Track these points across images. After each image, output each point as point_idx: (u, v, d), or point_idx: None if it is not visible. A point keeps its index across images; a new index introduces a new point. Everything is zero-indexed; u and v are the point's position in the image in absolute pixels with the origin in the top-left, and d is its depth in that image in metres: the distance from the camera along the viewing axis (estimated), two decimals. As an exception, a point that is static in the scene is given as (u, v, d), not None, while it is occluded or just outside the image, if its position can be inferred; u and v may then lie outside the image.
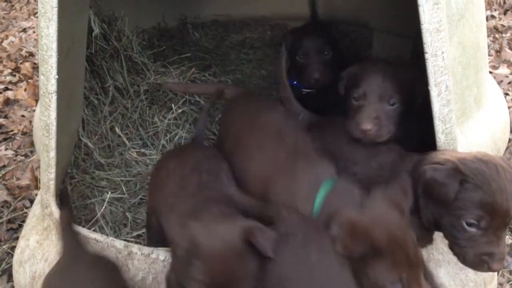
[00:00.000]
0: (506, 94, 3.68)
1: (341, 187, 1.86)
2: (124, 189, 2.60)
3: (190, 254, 1.65)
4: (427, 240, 1.96)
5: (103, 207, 2.46)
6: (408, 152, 2.04)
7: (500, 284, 2.43)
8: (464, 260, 1.76)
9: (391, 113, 2.16)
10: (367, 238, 1.64)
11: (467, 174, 1.71)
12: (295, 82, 2.88)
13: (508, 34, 4.52)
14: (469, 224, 1.71)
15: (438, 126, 1.93)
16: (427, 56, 1.85)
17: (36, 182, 3.09)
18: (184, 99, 3.10)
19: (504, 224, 1.70)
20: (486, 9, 4.71)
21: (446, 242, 2.01)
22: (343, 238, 1.66)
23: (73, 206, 2.47)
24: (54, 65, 1.97)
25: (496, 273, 2.12)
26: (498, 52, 4.24)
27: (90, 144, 2.76)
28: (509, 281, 2.45)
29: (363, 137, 2.10)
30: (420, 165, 1.83)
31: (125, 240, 2.27)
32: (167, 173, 2.14)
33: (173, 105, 3.04)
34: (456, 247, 1.78)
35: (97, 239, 2.10)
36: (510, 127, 3.13)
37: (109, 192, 2.55)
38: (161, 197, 2.08)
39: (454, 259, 2.01)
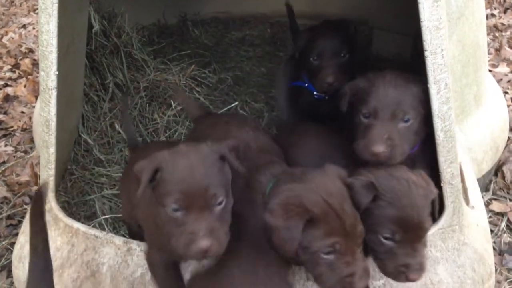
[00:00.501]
0: (506, 92, 3.69)
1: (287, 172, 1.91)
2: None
3: (159, 176, 1.69)
4: None
5: (102, 203, 2.46)
6: None
7: (498, 282, 2.43)
8: (385, 271, 1.81)
9: (405, 131, 1.98)
10: (300, 206, 1.67)
11: (380, 191, 1.76)
12: (306, 85, 2.72)
13: (508, 33, 4.52)
14: (385, 238, 1.77)
15: (437, 124, 1.93)
16: (426, 53, 1.86)
17: (35, 178, 3.09)
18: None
19: (417, 236, 1.76)
20: (486, 8, 4.71)
21: (444, 239, 2.03)
22: (278, 211, 1.68)
23: (72, 202, 2.47)
24: (54, 61, 1.97)
25: (494, 270, 2.12)
26: (497, 50, 4.24)
27: (89, 141, 2.76)
28: (507, 279, 2.46)
29: (374, 160, 1.93)
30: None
31: (124, 236, 2.28)
32: None
33: (172, 102, 3.04)
34: (377, 260, 1.82)
35: (96, 235, 2.10)
36: (509, 125, 3.14)
37: (108, 189, 2.55)
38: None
39: (452, 256, 2.02)
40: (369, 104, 2.02)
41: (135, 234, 2.24)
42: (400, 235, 1.75)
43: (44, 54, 1.97)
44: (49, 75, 1.99)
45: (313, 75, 2.63)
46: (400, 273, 1.76)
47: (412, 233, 1.75)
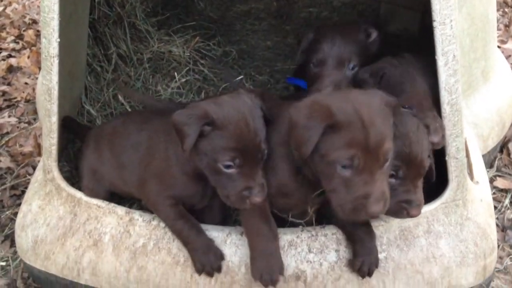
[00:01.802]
0: (514, 69, 3.63)
1: None
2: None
3: (209, 130, 1.73)
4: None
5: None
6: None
7: (500, 257, 2.43)
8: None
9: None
10: (326, 109, 1.61)
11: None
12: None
13: (518, 9, 4.45)
14: (390, 176, 1.77)
15: (444, 96, 1.90)
16: (435, 24, 1.82)
17: (39, 149, 3.09)
18: (187, 68, 3.09)
19: (419, 174, 1.79)
20: (497, -17, 4.61)
21: (447, 213, 2.03)
22: (304, 108, 1.66)
23: (75, 173, 2.47)
24: (56, 28, 1.95)
25: (496, 246, 2.12)
26: (507, 26, 4.17)
27: (93, 112, 2.75)
28: (509, 255, 2.46)
29: None
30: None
31: (126, 206, 2.28)
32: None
33: (176, 74, 3.01)
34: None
35: (99, 205, 2.11)
36: (517, 102, 3.11)
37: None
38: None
39: (454, 231, 2.02)
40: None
41: None
42: (403, 172, 1.77)
43: (46, 21, 1.94)
44: (51, 42, 1.97)
45: (310, 83, 2.25)
46: (401, 209, 1.78)
47: (414, 170, 1.77)
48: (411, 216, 1.79)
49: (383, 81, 2.08)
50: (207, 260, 1.92)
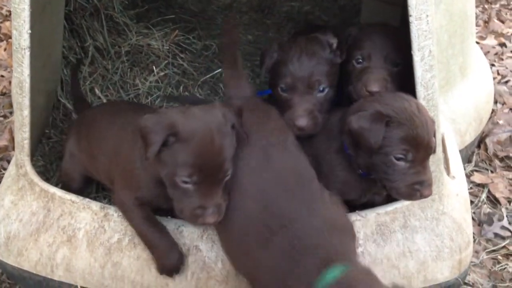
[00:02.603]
0: (492, 65, 3.66)
1: None
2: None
3: (172, 141, 1.67)
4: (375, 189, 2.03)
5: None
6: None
7: (476, 252, 2.45)
8: (398, 192, 1.87)
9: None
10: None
11: (391, 115, 1.82)
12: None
13: (497, 5, 4.48)
14: (398, 159, 1.82)
15: (420, 92, 1.90)
16: (411, 19, 1.82)
17: (14, 143, 3.04)
18: (166, 61, 3.05)
19: (427, 154, 1.84)
20: (477, -21, 4.65)
21: (423, 208, 2.03)
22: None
23: (50, 167, 2.43)
24: (27, 19, 1.90)
25: (472, 240, 2.14)
26: (486, 22, 4.20)
27: (68, 105, 2.70)
28: (485, 249, 2.48)
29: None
30: (345, 116, 1.93)
31: (101, 202, 2.25)
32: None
33: (154, 67, 2.98)
34: (389, 183, 1.87)
35: (73, 200, 2.07)
36: (494, 98, 3.14)
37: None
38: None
39: (430, 225, 2.03)
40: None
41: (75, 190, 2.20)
42: (412, 154, 1.81)
43: (17, 12, 1.90)
44: (21, 34, 1.92)
45: (281, 111, 2.11)
46: (414, 191, 1.84)
47: (422, 152, 1.82)
48: (424, 196, 1.85)
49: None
50: (168, 263, 1.91)
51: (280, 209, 1.69)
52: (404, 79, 2.11)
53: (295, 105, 2.10)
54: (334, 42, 2.21)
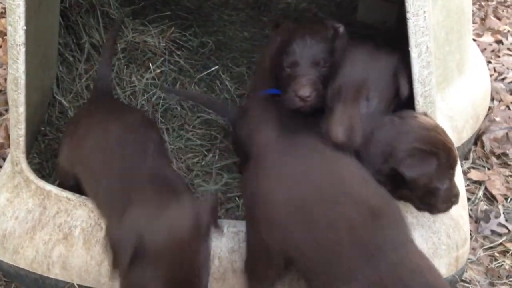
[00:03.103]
0: (489, 62, 3.66)
1: None
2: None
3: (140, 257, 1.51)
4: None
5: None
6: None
7: (473, 248, 2.45)
8: (439, 210, 1.90)
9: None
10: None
11: (434, 150, 1.81)
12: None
13: (494, 2, 4.47)
14: (443, 184, 1.84)
15: (417, 88, 1.90)
16: (408, 15, 1.81)
17: (9, 140, 3.02)
18: (163, 58, 3.03)
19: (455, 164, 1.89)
20: (474, -24, 4.65)
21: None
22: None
23: (45, 165, 2.42)
24: (22, 15, 1.89)
25: (469, 237, 2.14)
26: (483, 19, 4.20)
27: (64, 102, 2.69)
28: (482, 246, 2.48)
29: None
30: (390, 158, 1.83)
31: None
32: (88, 133, 2.02)
33: (151, 64, 2.96)
34: (430, 207, 1.90)
35: (69, 198, 2.07)
36: (491, 95, 3.14)
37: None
38: (82, 160, 1.99)
39: (427, 222, 2.03)
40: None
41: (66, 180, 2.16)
42: (452, 175, 1.87)
43: (12, 8, 1.88)
44: (16, 30, 1.91)
45: (283, 89, 2.14)
46: (450, 204, 1.90)
47: (453, 161, 1.85)
48: (456, 204, 1.92)
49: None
50: None
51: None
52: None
53: (299, 77, 2.06)
54: (340, 27, 2.20)
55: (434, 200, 1.85)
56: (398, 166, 1.78)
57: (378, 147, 1.84)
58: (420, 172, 1.79)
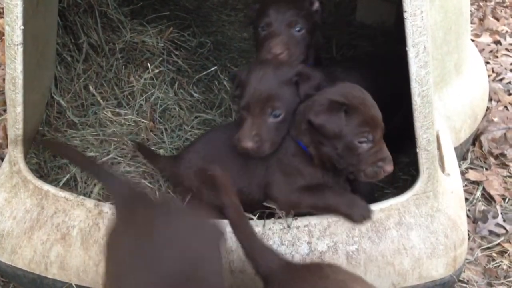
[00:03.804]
0: (487, 62, 3.67)
1: None
2: (95, 149, 2.54)
3: None
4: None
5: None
6: None
7: (471, 249, 2.45)
8: (365, 174, 1.96)
9: (274, 126, 2.08)
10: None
11: (346, 102, 1.92)
12: None
13: (492, 3, 4.49)
14: (360, 142, 1.93)
15: (415, 88, 1.90)
16: (406, 15, 1.81)
17: (7, 140, 3.02)
18: (161, 58, 3.02)
19: (382, 133, 1.96)
20: (472, -23, 4.65)
21: (418, 205, 2.03)
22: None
23: (44, 165, 2.42)
24: (20, 15, 1.89)
25: (467, 237, 2.14)
26: (481, 20, 4.21)
27: (62, 102, 2.68)
28: (480, 246, 2.48)
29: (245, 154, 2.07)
30: (298, 116, 2.03)
31: (96, 199, 2.24)
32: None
33: (149, 64, 2.96)
34: (355, 167, 1.97)
35: (67, 198, 2.07)
36: (489, 95, 3.14)
37: (81, 151, 2.49)
38: None
39: (425, 222, 2.03)
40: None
41: None
42: (371, 135, 1.93)
43: (9, 7, 1.88)
44: (14, 29, 1.91)
45: (259, 49, 2.33)
46: (378, 169, 1.94)
47: (378, 131, 1.94)
48: (387, 172, 1.95)
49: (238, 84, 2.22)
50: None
51: None
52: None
53: (272, 37, 2.27)
54: (315, 2, 2.43)
55: (357, 160, 1.94)
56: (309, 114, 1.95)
57: (300, 110, 2.03)
58: (326, 119, 1.92)
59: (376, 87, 2.21)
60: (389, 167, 1.94)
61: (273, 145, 2.07)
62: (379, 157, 1.93)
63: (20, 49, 1.94)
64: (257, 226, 1.97)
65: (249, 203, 2.03)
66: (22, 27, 1.91)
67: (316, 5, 2.42)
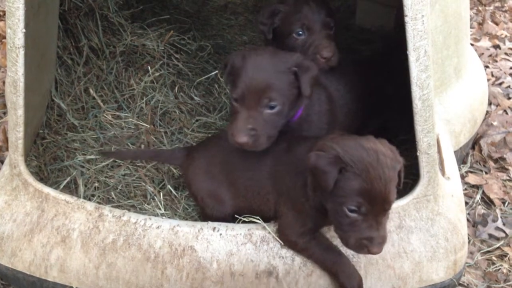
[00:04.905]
0: (487, 66, 3.68)
1: None
2: (96, 151, 2.55)
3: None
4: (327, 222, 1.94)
5: (75, 170, 2.41)
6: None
7: (471, 252, 2.46)
8: (347, 244, 1.78)
9: (270, 118, 2.00)
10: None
11: (347, 162, 1.71)
12: None
13: (492, 7, 4.50)
14: (351, 211, 1.73)
15: (416, 92, 1.91)
16: (407, 19, 1.82)
17: (7, 144, 3.01)
18: (161, 61, 3.03)
19: (383, 209, 1.74)
20: (471, -18, 4.67)
21: (419, 208, 2.04)
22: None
23: (44, 168, 2.42)
24: (21, 18, 1.89)
25: (467, 241, 2.14)
26: (480, 24, 4.22)
27: (63, 105, 2.69)
28: (480, 250, 2.49)
29: (241, 148, 2.02)
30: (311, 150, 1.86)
31: (97, 202, 2.24)
32: None
33: (149, 67, 2.97)
34: (340, 232, 1.80)
35: (67, 201, 2.06)
36: (488, 99, 3.15)
37: (81, 154, 2.50)
38: None
39: (425, 226, 2.03)
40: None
41: None
42: (366, 208, 1.71)
43: (11, 11, 1.88)
44: (16, 32, 1.91)
45: (300, 51, 2.23)
46: (362, 246, 1.74)
47: (378, 206, 1.72)
48: (372, 253, 1.76)
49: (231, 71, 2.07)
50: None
51: None
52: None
53: (316, 41, 2.27)
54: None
55: (344, 227, 1.78)
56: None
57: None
58: (321, 167, 1.75)
59: (356, 88, 2.21)
60: (375, 249, 1.74)
61: (269, 138, 1.98)
62: (366, 234, 1.73)
63: (21, 52, 1.94)
64: (258, 229, 1.97)
65: (258, 214, 2.03)
66: (24, 30, 1.91)
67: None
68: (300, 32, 2.27)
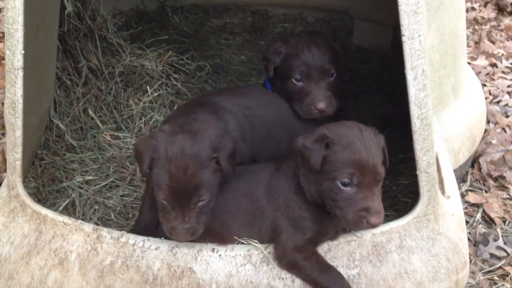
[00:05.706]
0: (484, 85, 3.70)
1: None
2: (94, 172, 2.54)
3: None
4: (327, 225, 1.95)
5: (72, 190, 2.40)
6: None
7: (472, 272, 2.43)
8: (346, 220, 1.82)
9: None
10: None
11: (333, 137, 1.82)
12: None
13: (488, 26, 4.55)
14: (344, 184, 1.79)
15: (414, 111, 1.91)
16: (404, 39, 1.83)
17: (5, 165, 3.00)
18: (160, 81, 3.05)
19: (374, 180, 1.80)
20: (467, 1, 4.73)
21: (419, 228, 2.02)
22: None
23: (42, 189, 2.40)
24: (21, 40, 1.90)
25: (468, 260, 2.12)
26: (477, 43, 4.26)
27: (61, 126, 2.69)
28: (481, 270, 2.46)
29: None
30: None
31: (95, 223, 2.22)
32: None
33: (148, 88, 2.98)
34: (337, 210, 1.84)
35: (65, 222, 2.04)
36: (487, 117, 3.16)
37: (79, 175, 2.49)
38: None
39: (426, 245, 2.01)
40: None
41: None
42: (357, 178, 1.77)
43: (10, 32, 1.89)
44: (15, 54, 1.92)
45: (297, 99, 2.36)
46: (361, 219, 1.78)
47: (369, 176, 1.78)
48: (371, 225, 1.79)
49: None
50: None
51: None
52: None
53: (313, 91, 2.33)
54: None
55: (340, 204, 1.82)
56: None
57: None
58: (307, 145, 1.84)
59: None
60: (373, 219, 1.77)
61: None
62: (362, 205, 1.77)
63: (20, 74, 1.95)
64: (257, 250, 1.95)
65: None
66: (23, 52, 1.92)
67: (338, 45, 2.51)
68: (299, 78, 2.36)
